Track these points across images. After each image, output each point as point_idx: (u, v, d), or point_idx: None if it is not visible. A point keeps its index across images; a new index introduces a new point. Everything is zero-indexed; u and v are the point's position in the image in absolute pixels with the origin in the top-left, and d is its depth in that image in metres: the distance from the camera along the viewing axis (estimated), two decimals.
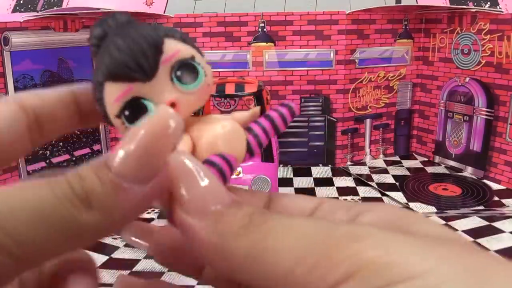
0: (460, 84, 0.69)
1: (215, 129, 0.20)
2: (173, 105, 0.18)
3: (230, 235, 0.14)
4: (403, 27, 0.73)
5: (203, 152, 0.19)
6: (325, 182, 0.66)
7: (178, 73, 0.18)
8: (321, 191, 0.62)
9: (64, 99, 0.21)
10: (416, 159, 0.78)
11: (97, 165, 0.15)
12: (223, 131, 0.19)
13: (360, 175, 0.69)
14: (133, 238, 0.21)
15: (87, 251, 0.20)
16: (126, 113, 0.18)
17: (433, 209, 0.55)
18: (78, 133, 0.73)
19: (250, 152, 0.20)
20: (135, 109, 0.18)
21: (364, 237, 0.13)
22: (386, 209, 0.16)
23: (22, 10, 0.75)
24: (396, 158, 0.79)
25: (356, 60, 0.71)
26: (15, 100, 0.19)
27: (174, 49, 0.18)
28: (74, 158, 0.72)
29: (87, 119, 0.21)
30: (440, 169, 0.72)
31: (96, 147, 0.76)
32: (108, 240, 0.50)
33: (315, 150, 0.74)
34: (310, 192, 0.62)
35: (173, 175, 0.15)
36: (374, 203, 0.17)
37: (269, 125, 0.21)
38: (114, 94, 0.18)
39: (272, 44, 0.71)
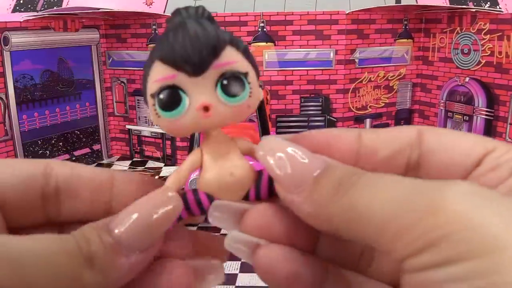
0: (460, 84, 0.69)
1: (225, 171, 0.19)
2: (206, 109, 0.18)
3: (324, 204, 0.15)
4: (403, 27, 0.74)
5: (205, 182, 0.19)
6: None
7: (225, 82, 0.18)
8: None
9: (98, 179, 0.20)
10: None
11: (101, 228, 0.16)
12: (230, 180, 0.19)
13: None
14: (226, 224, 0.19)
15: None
16: (161, 96, 0.18)
17: None
18: (78, 133, 0.73)
19: (245, 199, 0.20)
20: (170, 96, 0.18)
21: (449, 205, 0.12)
22: None
23: (22, 10, 0.75)
24: None
25: (356, 60, 0.71)
26: (43, 163, 0.19)
27: (231, 58, 0.18)
28: (74, 158, 0.72)
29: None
30: None
31: (96, 147, 0.76)
32: None
33: None
34: None
35: (265, 159, 0.17)
36: None
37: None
38: (158, 74, 0.18)
39: (272, 44, 0.71)
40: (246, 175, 0.20)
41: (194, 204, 0.19)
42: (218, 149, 0.20)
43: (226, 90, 0.18)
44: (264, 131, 0.58)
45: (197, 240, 0.21)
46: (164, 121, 0.19)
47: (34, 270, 0.14)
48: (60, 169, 0.19)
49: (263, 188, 0.20)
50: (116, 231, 0.16)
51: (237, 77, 0.18)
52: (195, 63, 0.18)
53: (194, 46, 0.17)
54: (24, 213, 0.19)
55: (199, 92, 0.18)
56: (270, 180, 0.19)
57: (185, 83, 0.18)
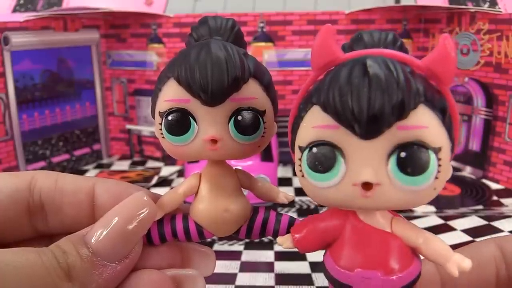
0: (459, 84, 0.69)
1: (220, 206, 0.18)
2: (213, 141, 0.17)
3: None
4: (402, 27, 0.74)
5: (197, 213, 0.19)
6: None
7: (239, 118, 0.17)
8: None
9: (80, 193, 0.20)
10: None
11: (77, 241, 0.16)
12: (224, 216, 0.18)
13: None
14: None
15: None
16: (169, 117, 0.17)
17: (432, 208, 0.56)
18: (78, 133, 0.73)
19: (235, 234, 0.20)
20: (178, 121, 0.17)
21: None
22: None
23: (22, 10, 0.75)
24: None
25: None
26: (29, 176, 0.19)
27: (251, 93, 0.17)
28: (74, 158, 0.72)
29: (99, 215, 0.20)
30: None
31: (96, 147, 0.76)
32: None
33: None
34: None
35: None
36: None
37: (271, 227, 0.19)
38: (171, 94, 0.17)
39: (272, 44, 0.71)
40: (241, 212, 0.19)
41: (181, 231, 0.19)
42: (218, 180, 0.19)
43: (238, 127, 0.17)
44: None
45: (182, 252, 0.21)
46: (167, 143, 0.18)
47: (13, 283, 0.14)
48: (44, 182, 0.19)
49: (255, 229, 0.19)
50: (92, 242, 0.16)
51: (253, 115, 0.17)
52: (213, 94, 0.16)
53: (215, 74, 0.16)
54: (12, 227, 0.19)
55: (210, 123, 0.17)
56: (264, 221, 0.19)
57: (197, 110, 0.17)
